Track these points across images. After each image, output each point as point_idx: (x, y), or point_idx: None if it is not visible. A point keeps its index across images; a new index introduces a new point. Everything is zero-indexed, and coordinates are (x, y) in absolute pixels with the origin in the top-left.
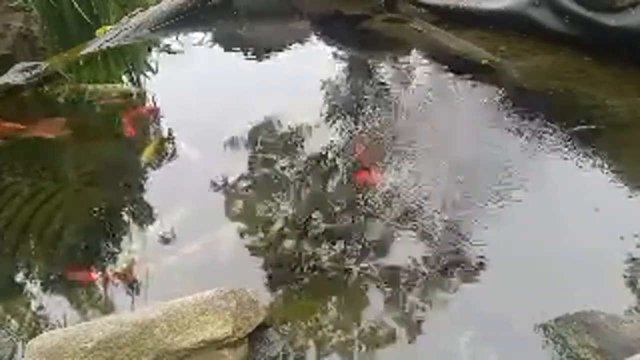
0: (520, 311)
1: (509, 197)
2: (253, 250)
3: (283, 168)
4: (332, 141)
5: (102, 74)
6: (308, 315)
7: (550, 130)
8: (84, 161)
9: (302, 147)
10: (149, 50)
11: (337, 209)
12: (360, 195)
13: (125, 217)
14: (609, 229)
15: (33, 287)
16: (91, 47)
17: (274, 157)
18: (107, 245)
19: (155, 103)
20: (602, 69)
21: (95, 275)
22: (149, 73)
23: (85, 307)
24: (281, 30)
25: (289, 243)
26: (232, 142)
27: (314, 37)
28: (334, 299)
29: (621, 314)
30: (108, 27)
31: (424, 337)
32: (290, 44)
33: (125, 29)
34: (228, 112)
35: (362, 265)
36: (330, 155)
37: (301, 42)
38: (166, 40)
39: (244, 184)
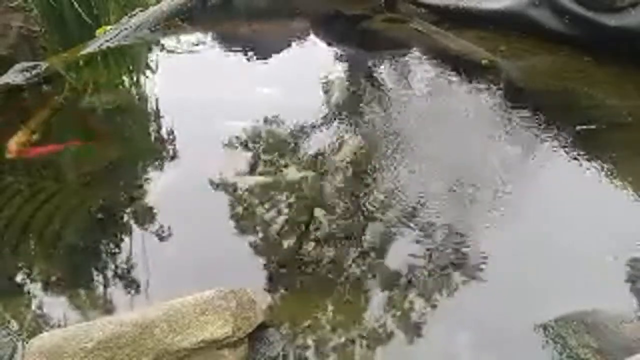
0: (520, 311)
1: (508, 197)
2: (253, 250)
3: (283, 167)
4: (332, 141)
5: (102, 74)
6: (308, 315)
7: (550, 130)
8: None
9: (301, 146)
10: (149, 50)
11: (338, 208)
12: (360, 196)
13: (124, 217)
14: (609, 229)
15: (33, 287)
16: (91, 47)
17: (274, 157)
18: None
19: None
20: (602, 69)
21: None
22: (148, 73)
23: (85, 307)
24: (281, 30)
25: (289, 243)
26: (231, 142)
27: (313, 37)
28: (334, 299)
29: (621, 314)
30: (108, 27)
31: (424, 337)
32: (290, 44)
33: (125, 29)
34: (227, 111)
35: (362, 265)
36: (329, 155)
37: (301, 42)
38: (166, 40)
39: (244, 183)
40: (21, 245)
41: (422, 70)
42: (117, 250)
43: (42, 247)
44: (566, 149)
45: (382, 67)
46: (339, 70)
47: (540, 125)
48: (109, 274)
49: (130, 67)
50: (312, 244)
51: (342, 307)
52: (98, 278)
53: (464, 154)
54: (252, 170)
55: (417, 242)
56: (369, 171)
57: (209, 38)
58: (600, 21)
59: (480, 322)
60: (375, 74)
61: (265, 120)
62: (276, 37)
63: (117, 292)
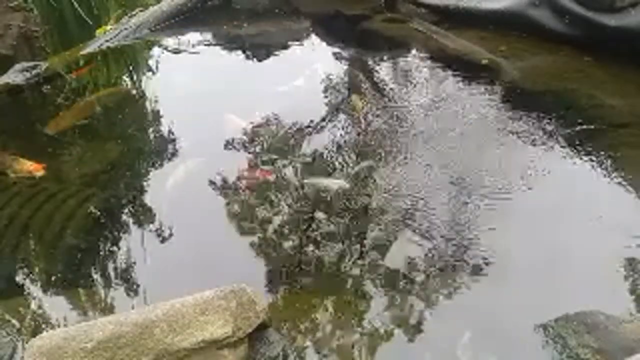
0: (521, 311)
1: (509, 197)
2: (253, 250)
3: (283, 167)
4: (331, 141)
5: (102, 74)
6: (308, 315)
7: (550, 130)
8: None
9: (301, 147)
10: (149, 50)
11: (338, 208)
12: (359, 195)
13: (125, 218)
14: (609, 228)
15: (33, 287)
16: (91, 47)
17: (274, 157)
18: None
19: None
20: (602, 69)
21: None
22: (148, 73)
23: (85, 307)
24: (281, 30)
25: (289, 243)
26: (232, 142)
27: (314, 37)
28: (334, 299)
29: (621, 314)
30: (108, 27)
31: (424, 337)
32: (290, 44)
33: (125, 29)
34: (227, 111)
35: (362, 265)
36: (329, 155)
37: (301, 42)
38: (166, 40)
39: (244, 183)
40: (21, 245)
41: (422, 70)
42: (117, 250)
43: (42, 247)
44: (566, 149)
45: (382, 67)
46: (338, 70)
47: (540, 124)
48: (109, 274)
49: (130, 67)
50: (312, 244)
51: (342, 307)
52: (98, 278)
53: (464, 153)
54: (252, 170)
55: (418, 241)
56: (368, 170)
57: (209, 38)
58: (600, 21)
59: (480, 320)
60: (375, 74)
61: (266, 120)
62: (276, 37)
63: (117, 292)
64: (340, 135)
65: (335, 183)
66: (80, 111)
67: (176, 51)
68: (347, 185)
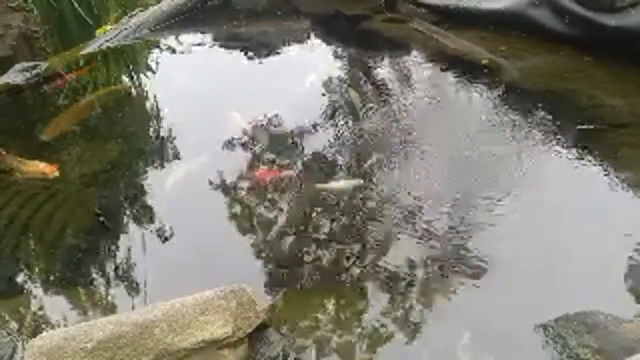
0: (521, 311)
1: (509, 197)
2: (253, 250)
3: (283, 168)
4: (332, 140)
5: (102, 74)
6: (308, 315)
7: (550, 130)
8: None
9: (301, 147)
10: (149, 50)
11: (338, 209)
12: (360, 196)
13: (125, 218)
14: (609, 228)
15: (33, 287)
16: (91, 47)
17: (274, 157)
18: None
19: None
20: (602, 69)
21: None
22: (148, 72)
23: (85, 307)
24: (281, 30)
25: (289, 243)
26: (232, 142)
27: (313, 37)
28: (334, 299)
29: (621, 314)
30: (108, 27)
31: (423, 337)
32: (290, 44)
33: (125, 29)
34: (227, 112)
35: (362, 265)
36: (330, 155)
37: (301, 42)
38: (166, 40)
39: (244, 184)
40: (21, 245)
41: (422, 70)
42: (117, 250)
43: (42, 247)
44: (566, 149)
45: (382, 67)
46: (338, 71)
47: (540, 124)
48: (109, 274)
49: (130, 67)
50: (312, 244)
51: (342, 307)
52: (98, 278)
53: (463, 154)
54: (252, 170)
55: (417, 241)
56: (369, 170)
57: (209, 38)
58: (600, 21)
59: (480, 320)
60: (375, 74)
61: (266, 119)
62: (276, 37)
63: (117, 292)
64: (341, 135)
65: (349, 183)
66: (80, 111)
67: (176, 51)
68: (362, 181)
